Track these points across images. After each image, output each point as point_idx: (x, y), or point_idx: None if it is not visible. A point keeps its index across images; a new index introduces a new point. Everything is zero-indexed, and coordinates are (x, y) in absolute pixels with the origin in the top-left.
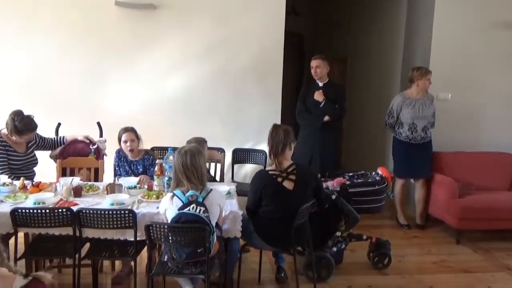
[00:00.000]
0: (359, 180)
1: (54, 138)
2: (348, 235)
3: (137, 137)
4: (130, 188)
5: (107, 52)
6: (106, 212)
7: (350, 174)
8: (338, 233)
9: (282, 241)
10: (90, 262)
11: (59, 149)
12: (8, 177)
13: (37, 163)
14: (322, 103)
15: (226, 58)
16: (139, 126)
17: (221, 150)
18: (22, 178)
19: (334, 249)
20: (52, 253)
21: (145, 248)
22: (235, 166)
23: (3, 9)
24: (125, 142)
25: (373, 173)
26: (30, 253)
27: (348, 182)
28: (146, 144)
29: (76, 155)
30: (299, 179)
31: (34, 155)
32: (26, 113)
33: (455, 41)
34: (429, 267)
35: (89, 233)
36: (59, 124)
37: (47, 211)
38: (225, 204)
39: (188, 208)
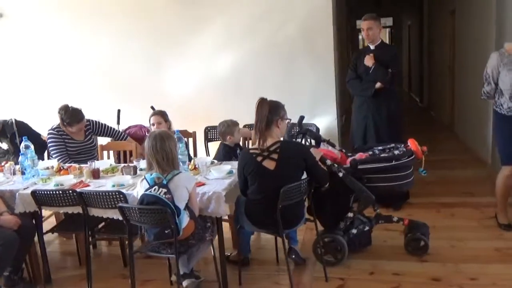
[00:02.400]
0: (382, 155)
1: (114, 129)
2: (376, 216)
3: (165, 120)
4: (142, 169)
5: (160, 36)
6: (101, 193)
7: (380, 147)
8: (350, 214)
9: (267, 223)
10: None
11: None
12: (64, 163)
13: (96, 148)
14: (372, 68)
15: (271, 29)
16: (192, 107)
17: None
18: (58, 163)
19: (354, 231)
20: (70, 229)
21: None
22: None
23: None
24: (153, 125)
25: (402, 145)
26: (58, 228)
27: (380, 156)
28: (201, 124)
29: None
30: (281, 158)
31: (93, 141)
32: (86, 99)
33: None
34: (487, 254)
35: (94, 212)
36: (119, 111)
37: (59, 192)
38: (193, 187)
39: (150, 190)
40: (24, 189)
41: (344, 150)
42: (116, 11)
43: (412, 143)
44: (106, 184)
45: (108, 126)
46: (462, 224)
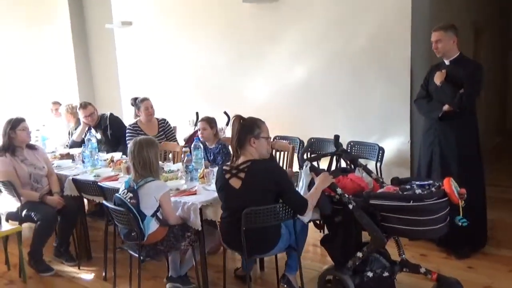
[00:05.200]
0: (406, 193)
1: (174, 136)
2: (401, 262)
3: (211, 127)
4: (167, 171)
5: (242, 45)
6: (111, 189)
7: (421, 183)
8: (359, 254)
9: (234, 245)
10: None
11: (188, 135)
12: None
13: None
14: (440, 87)
15: (343, 40)
16: (266, 114)
17: (292, 141)
18: (111, 156)
19: (369, 274)
20: (98, 214)
21: None
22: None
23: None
24: (199, 130)
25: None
26: (91, 214)
27: (395, 193)
28: (273, 131)
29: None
30: (247, 178)
31: (163, 138)
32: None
33: None
34: None
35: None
36: (197, 114)
37: (89, 182)
38: (164, 197)
39: (120, 192)
40: (74, 176)
41: (381, 179)
42: (209, 21)
43: (446, 184)
44: None
45: (173, 133)
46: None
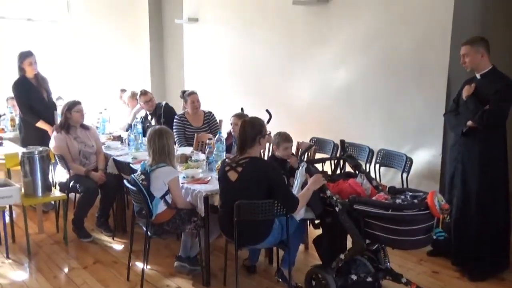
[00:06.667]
0: (387, 201)
1: (218, 129)
2: (385, 269)
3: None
4: (193, 160)
5: (291, 46)
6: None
7: (410, 193)
8: (342, 256)
9: (227, 233)
10: None
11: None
12: (180, 143)
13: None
14: (465, 102)
15: (386, 48)
16: (307, 115)
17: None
18: None
19: (353, 277)
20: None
21: None
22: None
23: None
24: (231, 124)
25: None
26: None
27: (376, 200)
28: (311, 133)
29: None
30: (244, 172)
31: (208, 130)
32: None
33: None
34: None
35: None
36: (242, 110)
37: (124, 162)
38: (172, 182)
39: (135, 174)
40: (117, 156)
41: (381, 187)
42: (263, 21)
43: (429, 197)
44: None
45: (217, 126)
46: None
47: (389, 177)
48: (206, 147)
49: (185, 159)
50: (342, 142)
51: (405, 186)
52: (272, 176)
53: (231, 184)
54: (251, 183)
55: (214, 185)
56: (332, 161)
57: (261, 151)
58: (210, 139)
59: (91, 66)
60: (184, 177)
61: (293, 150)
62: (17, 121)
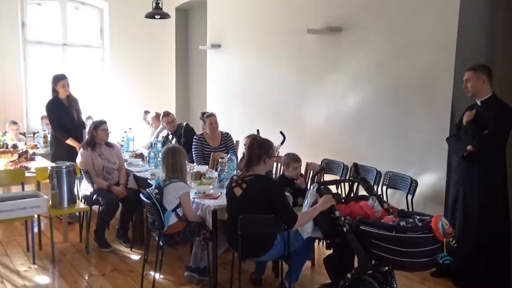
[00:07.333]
0: (401, 223)
1: (233, 148)
2: None
3: None
4: (207, 178)
5: (305, 72)
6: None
7: (418, 217)
8: (349, 275)
9: (233, 245)
10: None
11: None
12: (198, 162)
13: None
14: (464, 127)
15: (394, 74)
16: (319, 138)
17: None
18: None
19: None
20: None
21: None
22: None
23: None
24: (244, 145)
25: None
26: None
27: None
28: (322, 155)
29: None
30: (247, 189)
31: (225, 150)
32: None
33: None
34: None
35: None
36: (258, 131)
37: (143, 178)
38: (183, 196)
39: (150, 188)
40: (137, 172)
41: (391, 209)
42: (280, 48)
43: (434, 220)
44: None
45: (234, 146)
46: None
47: (396, 199)
48: (218, 165)
49: (199, 176)
50: (355, 165)
51: (410, 207)
52: (272, 192)
53: (236, 199)
54: (254, 199)
55: (223, 200)
56: (343, 183)
57: (272, 170)
58: (222, 158)
59: (120, 88)
60: (195, 193)
61: (302, 171)
62: (49, 138)
